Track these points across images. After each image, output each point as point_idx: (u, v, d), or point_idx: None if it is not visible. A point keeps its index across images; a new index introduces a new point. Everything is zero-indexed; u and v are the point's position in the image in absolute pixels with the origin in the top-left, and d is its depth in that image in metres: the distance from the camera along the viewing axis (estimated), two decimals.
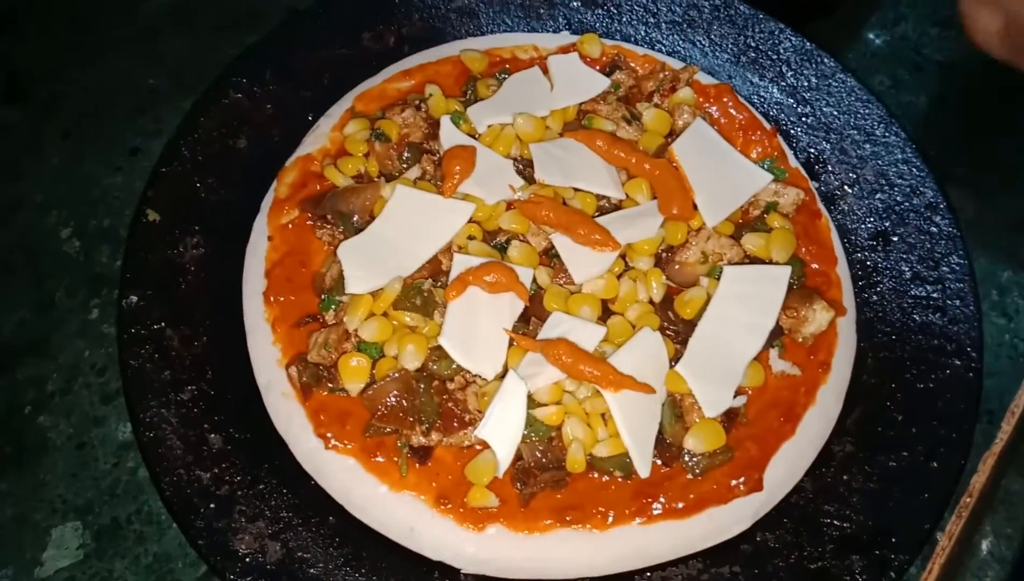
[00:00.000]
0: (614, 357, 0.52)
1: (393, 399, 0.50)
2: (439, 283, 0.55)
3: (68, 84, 0.79)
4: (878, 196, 0.63)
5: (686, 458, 0.51)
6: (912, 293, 0.59)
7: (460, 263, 0.54)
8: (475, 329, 0.53)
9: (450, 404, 0.51)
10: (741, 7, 0.69)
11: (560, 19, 0.70)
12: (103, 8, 0.84)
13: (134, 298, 0.56)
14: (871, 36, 0.79)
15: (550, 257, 0.58)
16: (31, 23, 0.83)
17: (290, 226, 0.58)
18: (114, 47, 0.81)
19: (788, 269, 0.56)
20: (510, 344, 0.53)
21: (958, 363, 0.56)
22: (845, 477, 0.53)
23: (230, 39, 0.79)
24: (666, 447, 0.51)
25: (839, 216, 0.62)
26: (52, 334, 0.65)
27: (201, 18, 0.82)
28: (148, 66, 0.80)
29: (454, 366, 0.52)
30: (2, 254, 0.70)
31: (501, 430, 0.50)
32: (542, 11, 0.70)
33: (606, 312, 0.56)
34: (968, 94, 0.75)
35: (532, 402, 0.51)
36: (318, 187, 0.60)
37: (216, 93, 0.63)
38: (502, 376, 0.52)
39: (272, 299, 0.55)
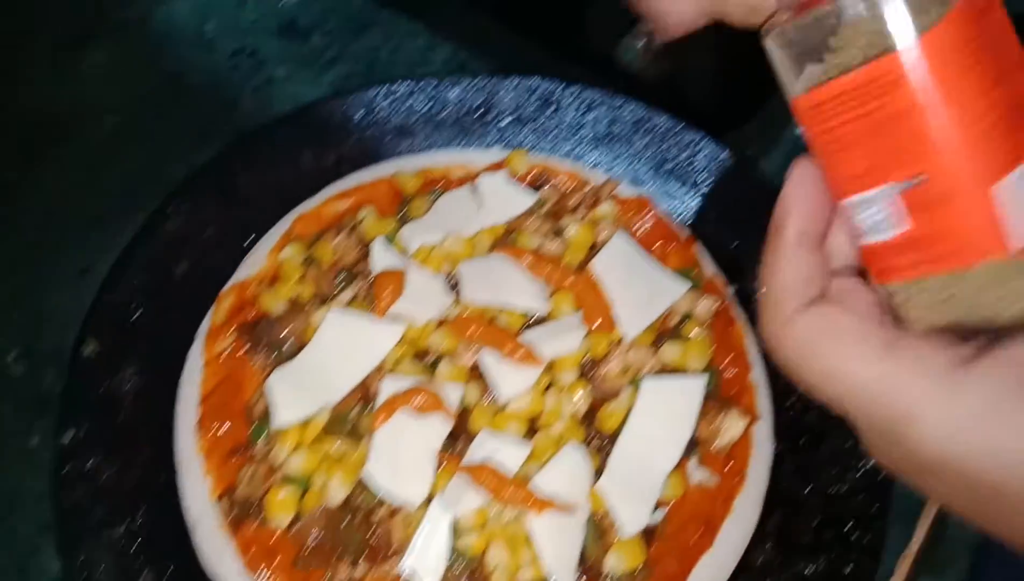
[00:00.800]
0: (538, 476, 0.54)
1: (318, 535, 0.52)
2: (369, 407, 0.57)
3: (22, 203, 0.81)
4: None
5: (607, 578, 0.52)
6: None
7: (388, 387, 0.56)
8: (401, 455, 0.54)
9: (376, 534, 0.52)
10: (661, 119, 0.73)
11: (492, 135, 0.74)
12: (55, 128, 0.87)
13: (70, 434, 0.57)
14: (792, 137, 0.83)
15: (479, 373, 0.60)
16: None
17: (224, 355, 0.60)
18: (65, 167, 0.84)
19: (703, 380, 0.58)
20: (437, 466, 0.54)
21: (871, 464, 0.58)
22: None
23: (178, 157, 0.82)
24: (588, 566, 0.53)
25: (755, 322, 0.65)
26: None
27: (153, 136, 0.85)
28: (98, 185, 0.82)
29: (379, 497, 0.53)
30: None
31: (424, 561, 0.51)
32: (475, 129, 0.74)
33: (533, 427, 0.58)
34: None
35: (456, 530, 0.53)
36: (254, 313, 0.62)
37: (157, 220, 0.66)
38: (428, 502, 0.53)
39: (205, 429, 0.57)
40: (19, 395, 0.70)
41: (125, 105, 0.88)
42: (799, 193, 0.34)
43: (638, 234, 0.67)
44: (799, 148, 0.81)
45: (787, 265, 0.33)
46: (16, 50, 0.93)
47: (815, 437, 0.60)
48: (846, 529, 0.56)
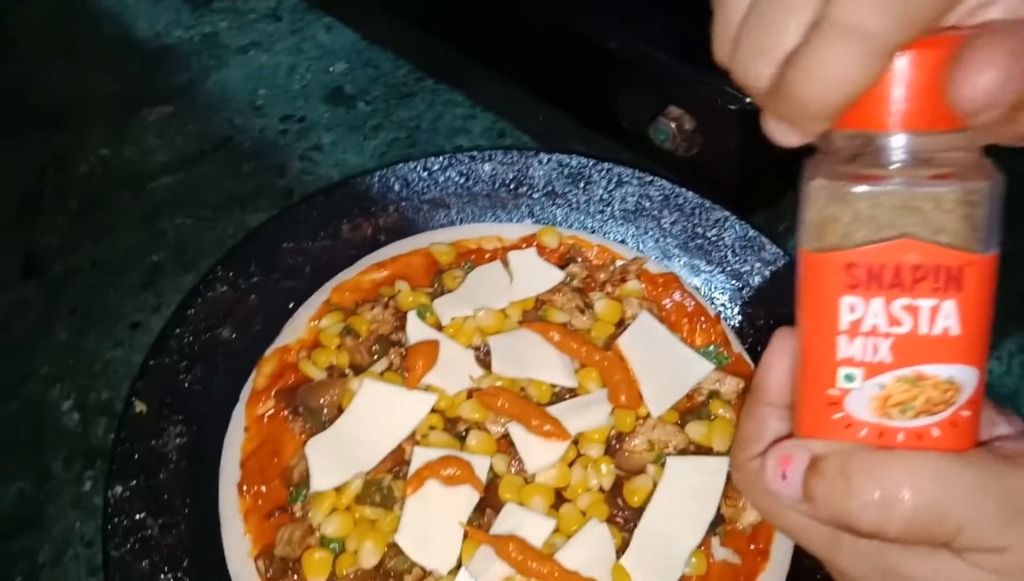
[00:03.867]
0: (562, 551, 0.56)
1: None
2: (400, 474, 0.59)
3: (80, 259, 0.86)
4: None
5: None
6: None
7: (419, 457, 0.59)
8: (431, 523, 0.56)
9: None
10: (689, 195, 0.76)
11: (523, 209, 0.77)
12: (113, 187, 0.92)
13: (119, 489, 0.60)
14: None
15: (508, 443, 0.62)
16: (54, 206, 0.91)
17: (266, 417, 0.63)
18: (122, 225, 0.89)
19: (727, 460, 0.60)
20: (464, 537, 0.56)
21: None
22: None
23: (228, 218, 0.87)
24: None
25: None
26: (47, 506, 0.70)
27: (202, 199, 0.89)
28: (152, 243, 0.87)
29: (410, 562, 0.55)
30: (8, 426, 0.75)
31: None
32: (507, 202, 0.77)
33: (559, 498, 0.60)
34: None
35: None
36: (293, 378, 0.65)
37: (204, 286, 0.70)
38: (456, 569, 0.55)
39: (245, 490, 0.60)
40: (73, 444, 0.74)
41: (180, 166, 0.93)
42: (777, 363, 0.36)
43: (666, 310, 0.69)
44: None
45: (749, 420, 0.37)
46: (78, 109, 1.00)
47: None
48: None
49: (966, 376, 0.32)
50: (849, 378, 0.33)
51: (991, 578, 0.32)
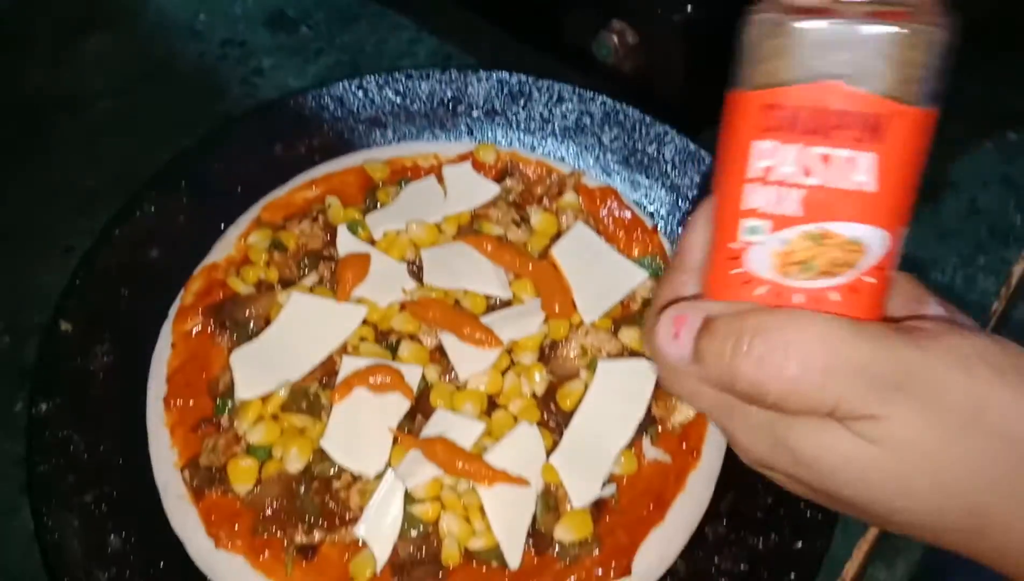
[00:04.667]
0: (491, 452, 0.56)
1: (277, 502, 0.53)
2: (329, 384, 0.59)
3: (16, 184, 0.84)
4: None
5: (556, 547, 0.54)
6: None
7: (348, 365, 0.58)
8: (359, 429, 0.56)
9: (332, 503, 0.54)
10: (630, 111, 0.74)
11: (462, 127, 0.76)
12: (50, 113, 0.89)
13: (43, 406, 0.59)
14: None
15: (440, 354, 0.61)
16: None
17: (193, 333, 0.62)
18: (59, 150, 0.86)
19: None
20: (394, 443, 0.56)
21: None
22: (716, 559, 0.56)
23: (166, 144, 0.84)
24: (540, 537, 0.54)
25: None
26: None
27: (143, 123, 0.87)
28: (89, 169, 0.85)
29: (337, 467, 0.55)
30: None
31: (378, 527, 0.53)
32: (445, 121, 0.76)
33: (492, 406, 0.60)
34: None
35: (411, 499, 0.54)
36: (221, 295, 0.64)
37: (132, 206, 0.68)
38: (384, 474, 0.55)
39: (171, 404, 0.59)
40: (3, 366, 0.72)
41: (117, 91, 0.91)
42: (699, 227, 0.35)
43: (603, 222, 0.69)
44: None
45: (665, 286, 0.36)
46: (18, 35, 0.96)
47: None
48: (800, 507, 0.57)
49: (874, 238, 0.30)
50: (753, 230, 0.31)
51: (872, 450, 0.30)
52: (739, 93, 0.31)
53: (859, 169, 0.29)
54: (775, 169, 0.30)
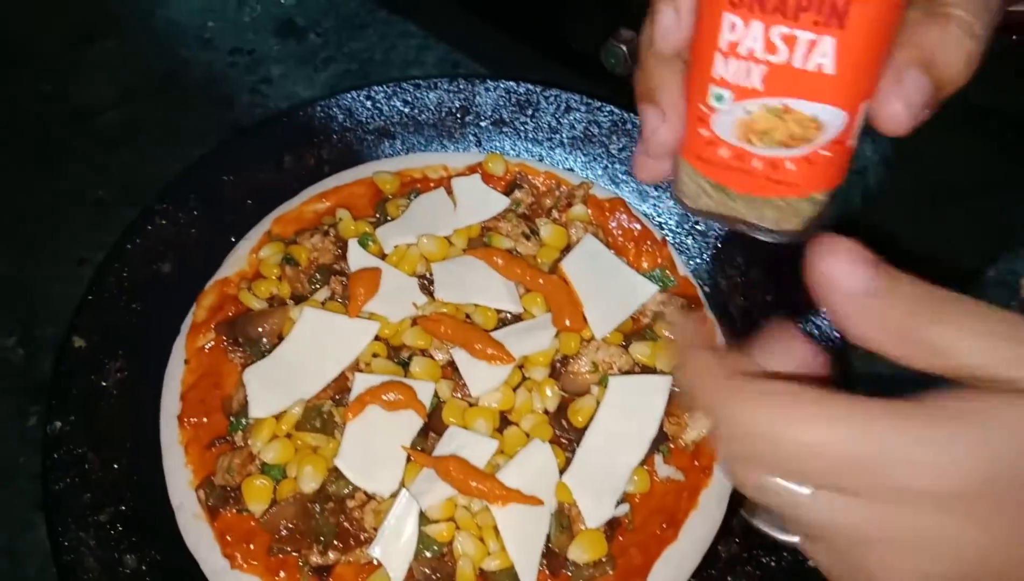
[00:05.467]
0: (504, 470, 0.56)
1: (292, 522, 0.54)
2: (342, 401, 0.59)
3: (26, 196, 0.84)
4: (766, 297, 0.67)
5: (570, 567, 0.54)
6: None
7: (360, 383, 0.58)
8: (373, 448, 0.56)
9: (347, 523, 0.54)
10: (638, 121, 0.74)
11: (470, 137, 0.75)
12: (58, 123, 0.89)
13: (58, 424, 0.59)
14: None
15: (452, 369, 0.61)
16: None
17: (206, 349, 0.62)
18: (68, 161, 0.86)
19: (670, 378, 0.60)
20: (407, 461, 0.56)
21: None
22: (729, 578, 0.56)
23: (175, 153, 0.84)
24: (554, 557, 0.54)
25: (729, 321, 0.66)
26: None
27: (152, 133, 0.87)
28: (98, 179, 0.85)
29: (351, 486, 0.55)
30: None
31: (393, 548, 0.53)
32: (453, 131, 0.75)
33: (504, 423, 0.60)
34: (877, 199, 0.78)
35: (425, 519, 0.54)
36: (233, 310, 0.64)
37: (143, 220, 0.68)
38: (398, 493, 0.55)
39: (185, 422, 0.59)
40: (17, 379, 0.72)
41: (127, 101, 0.91)
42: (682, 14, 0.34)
43: (612, 234, 0.69)
44: None
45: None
46: (24, 46, 0.96)
47: None
48: None
49: (833, 117, 0.31)
50: (719, 97, 0.33)
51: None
52: None
53: (819, 52, 0.30)
54: (741, 43, 0.31)
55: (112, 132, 0.88)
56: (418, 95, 0.76)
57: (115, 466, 0.59)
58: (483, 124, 0.75)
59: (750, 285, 0.67)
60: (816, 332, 0.64)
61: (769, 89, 0.31)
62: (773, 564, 0.56)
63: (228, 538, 0.55)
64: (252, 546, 0.55)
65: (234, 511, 0.56)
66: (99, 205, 0.82)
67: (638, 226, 0.68)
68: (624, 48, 0.75)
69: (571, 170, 0.73)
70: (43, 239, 0.81)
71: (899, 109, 0.31)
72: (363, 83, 0.76)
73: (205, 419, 0.59)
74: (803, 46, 0.30)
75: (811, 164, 0.33)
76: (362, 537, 0.54)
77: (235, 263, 0.67)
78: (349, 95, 0.75)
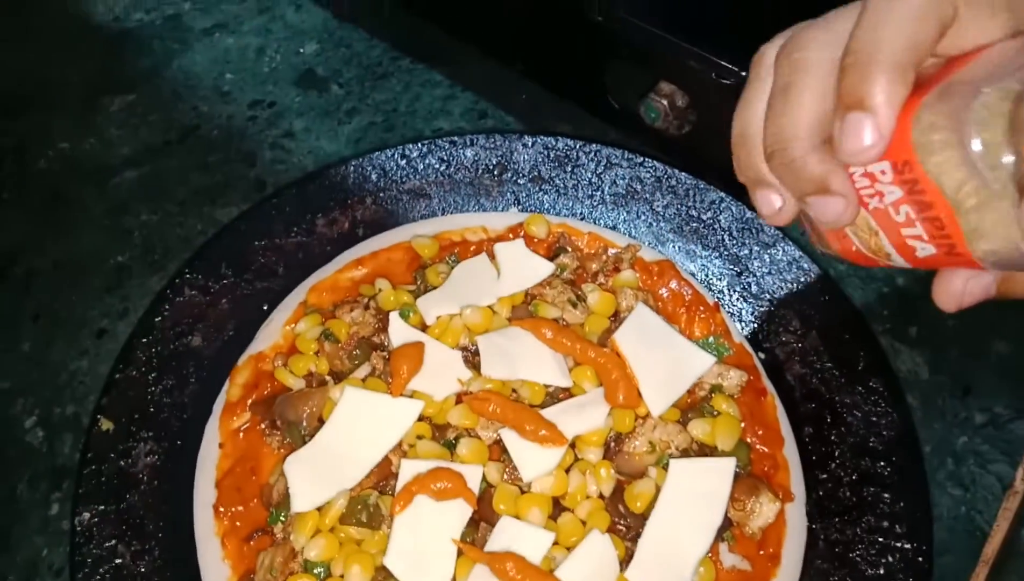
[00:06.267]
0: (563, 567, 0.52)
1: None
2: (387, 489, 0.56)
3: (42, 260, 0.81)
4: (826, 364, 0.64)
5: None
6: (860, 470, 0.59)
7: (407, 471, 0.55)
8: (422, 542, 0.53)
9: None
10: (683, 177, 0.72)
11: (508, 196, 0.73)
12: (75, 182, 0.87)
13: (86, 515, 0.56)
14: None
15: (501, 448, 0.58)
16: (13, 202, 0.86)
17: (241, 432, 0.59)
18: (85, 223, 0.84)
19: (733, 461, 0.56)
20: (458, 555, 0.53)
21: (908, 547, 0.56)
22: None
23: (196, 213, 0.82)
24: None
25: (785, 391, 0.63)
26: (13, 527, 0.65)
27: (168, 193, 0.84)
28: (117, 242, 0.82)
29: None
30: None
31: None
32: (491, 189, 0.73)
33: (557, 507, 0.56)
34: None
35: None
36: (269, 387, 0.61)
37: (172, 291, 0.65)
38: None
39: (222, 512, 0.56)
40: (37, 464, 0.69)
41: (145, 158, 0.88)
42: None
43: (662, 300, 0.66)
44: None
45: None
46: (38, 102, 0.94)
47: (850, 516, 0.57)
48: None
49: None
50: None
51: None
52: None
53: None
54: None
55: (130, 191, 0.85)
56: (453, 152, 0.73)
57: (147, 558, 0.56)
58: (521, 181, 0.73)
59: (807, 351, 0.64)
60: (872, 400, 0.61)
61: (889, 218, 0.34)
62: None
63: None
64: None
65: None
66: (119, 271, 0.79)
67: (688, 291, 0.66)
68: (665, 102, 0.72)
69: (615, 228, 0.71)
70: (61, 309, 0.78)
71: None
72: (389, 136, 0.74)
73: (242, 508, 0.56)
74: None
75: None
76: None
77: (269, 336, 0.64)
78: (383, 153, 0.73)
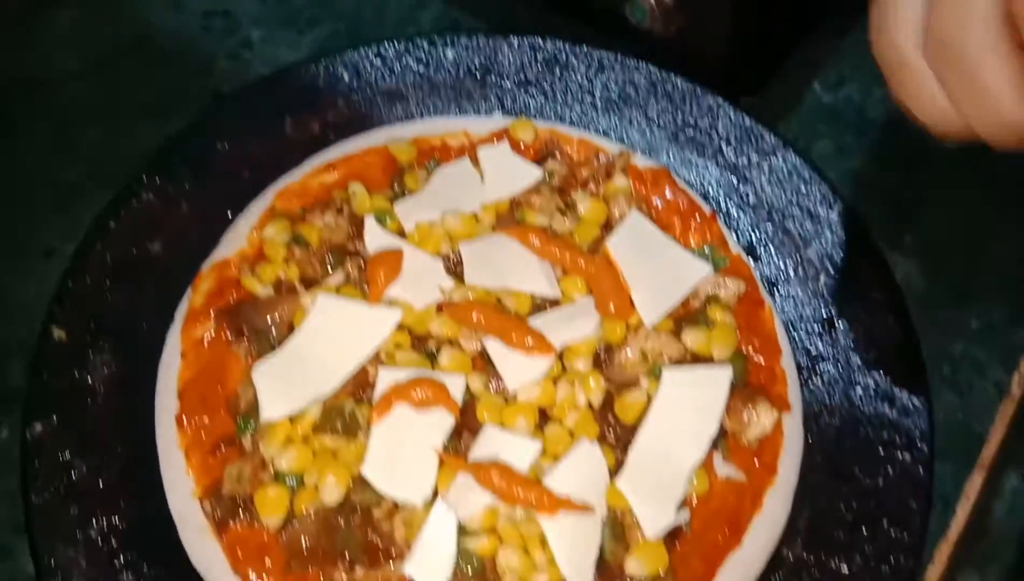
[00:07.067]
0: (551, 475, 0.50)
1: (312, 536, 0.47)
2: (364, 398, 0.52)
3: None
4: (822, 279, 0.61)
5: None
6: (859, 382, 0.57)
7: (385, 379, 0.52)
8: (402, 452, 0.50)
9: (374, 536, 0.48)
10: (679, 81, 0.68)
11: (492, 99, 0.68)
12: (15, 98, 0.80)
13: (39, 427, 0.52)
14: (814, 100, 0.77)
15: (484, 360, 0.55)
16: None
17: (205, 341, 0.55)
18: (28, 141, 0.77)
19: (729, 370, 0.54)
20: (440, 464, 0.50)
21: (908, 458, 0.54)
22: None
23: (150, 127, 0.75)
24: (608, 569, 0.49)
25: (782, 301, 0.61)
26: None
27: (121, 105, 0.78)
28: (64, 160, 0.76)
29: (379, 495, 0.49)
30: None
31: (429, 564, 0.47)
32: (473, 92, 0.68)
33: (543, 418, 0.54)
34: (916, 158, 0.74)
35: (464, 530, 0.48)
36: (235, 295, 0.57)
37: (127, 195, 0.60)
38: (432, 502, 0.49)
39: (185, 423, 0.52)
40: None
41: (91, 71, 0.81)
42: None
43: (656, 209, 0.62)
44: (820, 112, 0.74)
45: None
46: None
47: (847, 427, 0.55)
48: (884, 526, 0.52)
49: None
50: None
51: None
52: None
53: None
54: None
55: (77, 106, 0.78)
56: (433, 52, 0.68)
57: (105, 474, 0.52)
58: (506, 85, 0.68)
59: (807, 262, 0.61)
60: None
61: None
62: (844, 568, 0.51)
63: (239, 554, 0.49)
64: (268, 562, 0.48)
65: (245, 524, 0.50)
66: (67, 189, 0.73)
67: (684, 199, 0.62)
68: (652, 0, 0.68)
69: (606, 135, 0.66)
70: (5, 231, 0.71)
71: None
72: (354, 45, 0.69)
73: (207, 419, 0.52)
74: None
75: None
76: (392, 552, 0.48)
77: (234, 242, 0.59)
78: (356, 52, 0.67)
